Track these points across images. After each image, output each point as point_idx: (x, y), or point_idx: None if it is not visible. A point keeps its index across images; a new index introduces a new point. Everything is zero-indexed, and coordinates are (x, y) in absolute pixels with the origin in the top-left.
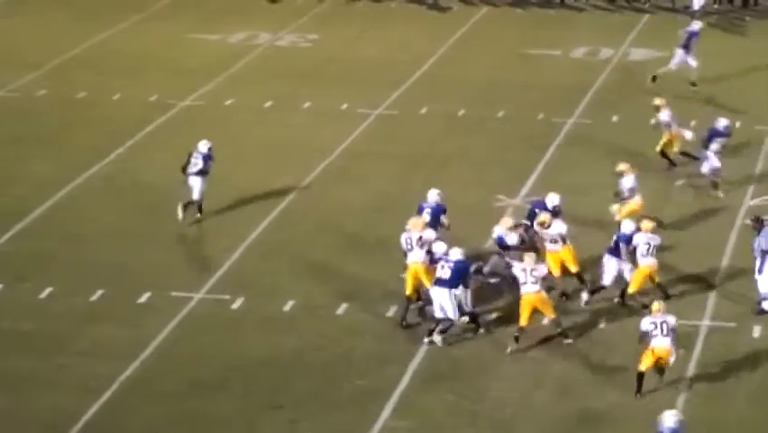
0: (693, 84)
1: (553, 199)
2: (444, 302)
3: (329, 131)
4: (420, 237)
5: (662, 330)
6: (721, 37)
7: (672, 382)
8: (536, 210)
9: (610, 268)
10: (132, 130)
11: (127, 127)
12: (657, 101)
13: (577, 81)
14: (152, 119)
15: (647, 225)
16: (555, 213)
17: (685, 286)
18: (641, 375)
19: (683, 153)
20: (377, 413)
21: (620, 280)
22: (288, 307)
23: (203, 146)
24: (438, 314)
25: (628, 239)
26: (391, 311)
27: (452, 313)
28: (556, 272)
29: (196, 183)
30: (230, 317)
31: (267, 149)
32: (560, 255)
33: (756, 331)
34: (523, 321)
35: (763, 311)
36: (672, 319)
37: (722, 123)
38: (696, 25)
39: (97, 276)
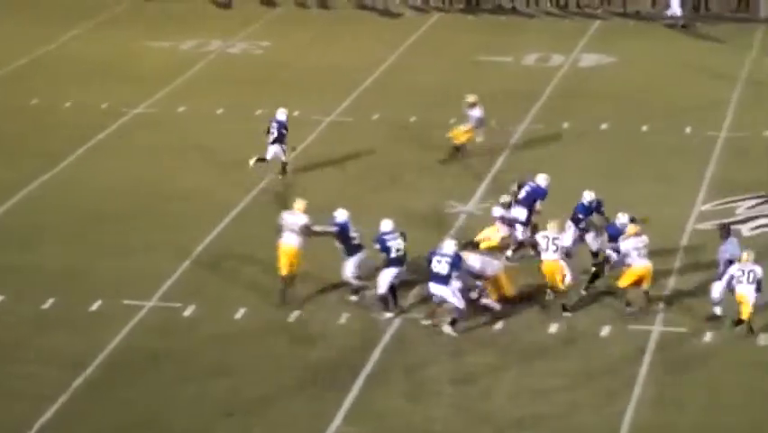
0: None
1: (586, 196)
2: (447, 297)
3: None
4: (295, 221)
5: (748, 278)
6: (671, 41)
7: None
8: (580, 215)
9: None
10: (84, 137)
11: (79, 134)
12: (471, 98)
13: (528, 87)
14: (105, 126)
15: (632, 228)
16: (596, 208)
17: (638, 290)
18: (739, 322)
19: (456, 149)
20: (329, 419)
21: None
22: (239, 314)
23: (280, 114)
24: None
25: (618, 233)
26: (344, 318)
27: (459, 303)
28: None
29: (271, 149)
30: (181, 325)
31: (218, 156)
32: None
33: (708, 336)
34: (552, 285)
35: (714, 316)
36: (759, 270)
37: None
38: None
39: (49, 284)
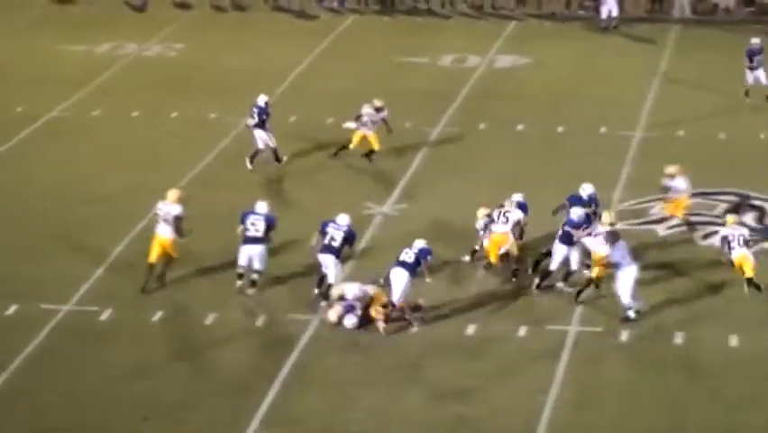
0: None
1: (586, 189)
2: (401, 286)
3: (197, 140)
4: (168, 211)
5: (738, 242)
6: (586, 42)
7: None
8: (570, 203)
9: (559, 254)
10: None
11: None
12: (377, 102)
13: (444, 89)
14: (19, 130)
15: (607, 217)
16: (592, 202)
17: (553, 290)
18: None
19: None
20: (246, 423)
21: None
22: (156, 317)
23: (260, 100)
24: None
25: (577, 225)
26: (260, 321)
27: (397, 299)
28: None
29: (258, 135)
30: (99, 329)
31: (134, 159)
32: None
33: (624, 335)
34: (492, 259)
35: (627, 319)
36: (745, 231)
37: None
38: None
39: None
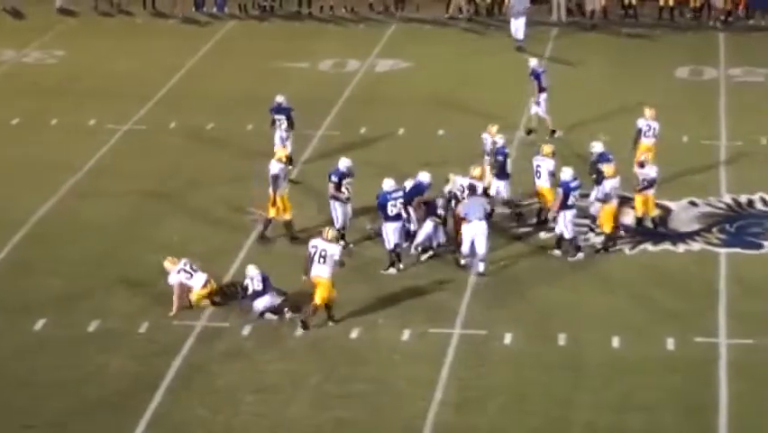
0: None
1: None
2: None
3: (77, 147)
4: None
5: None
6: (465, 46)
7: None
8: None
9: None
10: None
11: None
12: (493, 128)
13: (325, 93)
14: None
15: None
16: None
17: (437, 293)
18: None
19: None
20: (130, 430)
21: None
22: (38, 325)
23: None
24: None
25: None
26: (143, 327)
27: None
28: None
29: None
30: None
31: (15, 167)
32: None
33: (508, 338)
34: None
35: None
36: (653, 174)
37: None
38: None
39: None
